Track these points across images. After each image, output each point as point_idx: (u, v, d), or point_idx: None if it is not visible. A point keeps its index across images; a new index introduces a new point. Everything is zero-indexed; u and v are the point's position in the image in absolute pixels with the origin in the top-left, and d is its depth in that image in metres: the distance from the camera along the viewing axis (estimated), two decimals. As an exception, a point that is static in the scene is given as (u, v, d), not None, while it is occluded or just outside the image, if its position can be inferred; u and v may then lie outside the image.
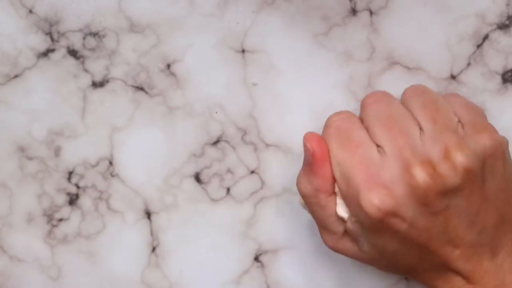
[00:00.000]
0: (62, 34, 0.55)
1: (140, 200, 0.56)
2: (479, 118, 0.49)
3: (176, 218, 0.56)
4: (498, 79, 0.55)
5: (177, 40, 0.55)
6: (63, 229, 0.56)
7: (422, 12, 0.54)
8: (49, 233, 0.56)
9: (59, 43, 0.55)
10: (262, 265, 0.56)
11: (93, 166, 0.56)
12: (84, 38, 0.55)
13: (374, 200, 0.46)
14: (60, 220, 0.56)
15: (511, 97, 0.55)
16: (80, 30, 0.55)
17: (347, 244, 0.50)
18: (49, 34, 0.55)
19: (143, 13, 0.55)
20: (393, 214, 0.46)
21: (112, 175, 0.56)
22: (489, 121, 0.50)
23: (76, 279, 0.56)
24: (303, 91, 0.55)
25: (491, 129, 0.49)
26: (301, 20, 0.55)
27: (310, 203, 0.50)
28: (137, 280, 0.56)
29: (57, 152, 0.56)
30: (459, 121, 0.49)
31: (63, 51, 0.55)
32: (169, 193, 0.56)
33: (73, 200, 0.56)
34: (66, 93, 0.56)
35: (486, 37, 0.55)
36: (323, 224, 0.50)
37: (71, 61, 0.55)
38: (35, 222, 0.56)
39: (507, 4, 0.54)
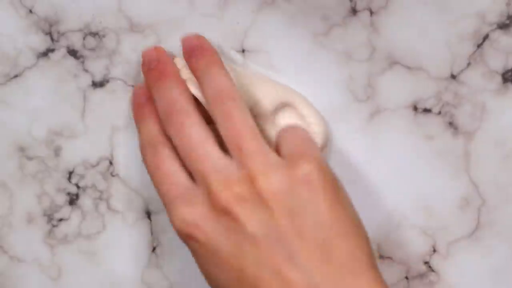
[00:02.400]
0: (62, 34, 0.55)
1: (140, 200, 0.56)
2: (301, 148, 0.48)
3: (176, 218, 0.56)
4: (498, 79, 0.55)
5: (177, 40, 0.55)
6: (63, 229, 0.56)
7: (422, 12, 0.54)
8: (49, 233, 0.56)
9: (59, 43, 0.55)
10: (262, 265, 0.56)
11: (93, 166, 0.56)
12: (84, 38, 0.55)
13: (179, 215, 0.47)
14: (60, 220, 0.56)
15: (511, 97, 0.55)
16: (80, 30, 0.55)
17: None
18: (49, 34, 0.55)
19: (143, 13, 0.55)
20: (195, 226, 0.47)
21: (112, 175, 0.56)
22: (313, 148, 0.49)
23: (76, 279, 0.56)
24: (303, 91, 0.55)
25: (308, 156, 0.47)
26: (301, 20, 0.55)
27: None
28: (137, 280, 0.56)
29: (57, 152, 0.56)
30: (276, 150, 0.49)
31: (63, 51, 0.55)
32: (169, 193, 0.56)
33: (73, 200, 0.56)
34: (66, 93, 0.56)
35: (486, 37, 0.55)
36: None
37: (71, 61, 0.55)
38: (35, 222, 0.56)
39: (507, 4, 0.54)
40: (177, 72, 0.51)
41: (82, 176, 0.56)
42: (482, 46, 0.55)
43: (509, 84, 0.55)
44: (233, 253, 0.46)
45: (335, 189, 0.47)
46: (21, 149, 0.56)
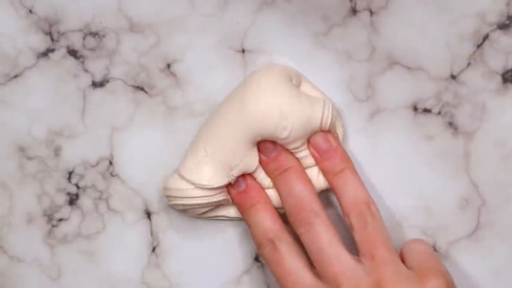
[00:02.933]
0: (62, 34, 0.55)
1: (140, 200, 0.56)
2: (429, 262, 0.50)
3: (176, 218, 0.56)
4: (498, 79, 0.55)
5: (177, 40, 0.55)
6: (63, 229, 0.56)
7: (422, 12, 0.54)
8: (49, 233, 0.56)
9: (59, 43, 0.55)
10: (262, 265, 0.56)
11: (93, 166, 0.56)
12: (84, 38, 0.55)
13: None
14: (60, 220, 0.56)
15: (511, 97, 0.55)
16: (80, 30, 0.55)
17: None
18: (49, 34, 0.55)
19: (143, 13, 0.55)
20: None
21: (112, 175, 0.56)
22: (441, 264, 0.50)
23: (76, 279, 0.56)
24: (303, 91, 0.55)
25: (436, 271, 0.49)
26: (301, 20, 0.55)
27: None
28: (137, 280, 0.56)
29: (57, 152, 0.56)
30: (402, 260, 0.50)
31: (63, 51, 0.55)
32: (169, 193, 0.56)
33: (73, 200, 0.56)
34: (66, 93, 0.56)
35: (486, 37, 0.55)
36: None
37: (71, 61, 0.55)
38: (35, 222, 0.56)
39: (507, 4, 0.54)
40: (299, 165, 0.53)
41: (82, 176, 0.56)
42: (482, 46, 0.55)
43: (509, 84, 0.55)
44: None
45: None
46: (21, 149, 0.56)
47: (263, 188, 0.53)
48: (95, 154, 0.56)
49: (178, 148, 0.56)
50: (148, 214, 0.56)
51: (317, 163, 0.53)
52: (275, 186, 0.53)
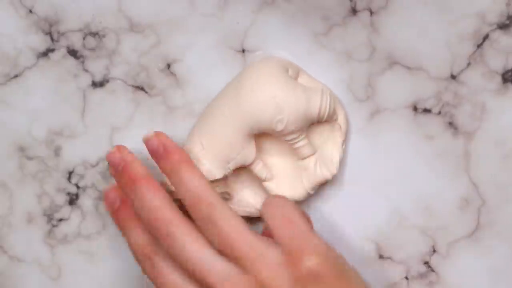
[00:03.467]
0: (62, 34, 0.55)
1: (140, 200, 0.56)
2: (297, 238, 0.48)
3: (176, 218, 0.56)
4: (498, 79, 0.55)
5: (177, 40, 0.55)
6: (63, 229, 0.56)
7: (422, 12, 0.54)
8: (49, 233, 0.56)
9: (59, 43, 0.55)
10: (262, 265, 0.56)
11: (93, 166, 0.56)
12: (84, 38, 0.55)
13: None
14: (60, 220, 0.56)
15: (511, 97, 0.55)
16: (80, 30, 0.55)
17: None
18: (49, 34, 0.55)
19: (143, 13, 0.55)
20: None
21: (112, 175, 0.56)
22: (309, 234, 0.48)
23: (76, 279, 0.56)
24: (303, 91, 0.55)
25: (309, 250, 0.47)
26: (301, 20, 0.55)
27: None
28: (137, 280, 0.56)
29: (57, 152, 0.56)
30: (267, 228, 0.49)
31: (63, 51, 0.55)
32: (169, 193, 0.56)
33: (73, 200, 0.56)
34: (66, 93, 0.56)
35: (486, 37, 0.55)
36: None
37: (71, 61, 0.55)
38: (35, 222, 0.56)
39: (507, 4, 0.54)
40: (146, 173, 0.51)
41: (82, 176, 0.56)
42: (482, 46, 0.55)
43: (509, 84, 0.55)
44: None
45: (344, 275, 0.47)
46: (21, 149, 0.56)
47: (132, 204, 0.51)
48: (95, 154, 0.56)
49: (178, 148, 0.56)
50: (148, 214, 0.56)
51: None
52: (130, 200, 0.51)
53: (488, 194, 0.55)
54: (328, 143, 0.54)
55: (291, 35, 0.55)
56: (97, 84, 0.56)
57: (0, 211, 0.56)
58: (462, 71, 0.55)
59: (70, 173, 0.56)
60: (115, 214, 0.52)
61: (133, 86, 0.55)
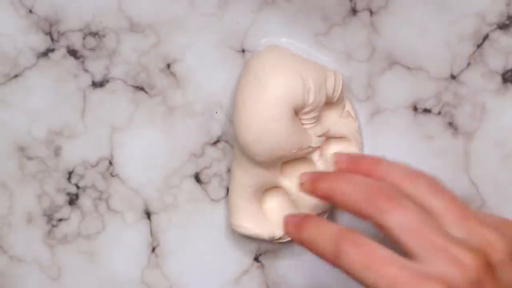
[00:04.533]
0: (62, 34, 0.55)
1: (140, 200, 0.56)
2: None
3: (176, 218, 0.56)
4: (498, 79, 0.55)
5: (177, 40, 0.55)
6: (63, 229, 0.56)
7: (422, 12, 0.54)
8: (49, 233, 0.56)
9: (59, 43, 0.55)
10: (262, 265, 0.56)
11: (93, 166, 0.56)
12: (84, 38, 0.55)
13: None
14: (60, 220, 0.56)
15: (511, 97, 0.55)
16: (80, 30, 0.55)
17: None
18: (49, 34, 0.55)
19: (143, 13, 0.55)
20: None
21: (112, 175, 0.56)
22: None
23: (76, 279, 0.56)
24: (303, 91, 0.55)
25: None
26: (301, 20, 0.55)
27: None
28: (137, 280, 0.56)
29: (57, 152, 0.56)
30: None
31: (63, 51, 0.55)
32: (169, 193, 0.56)
33: (73, 200, 0.56)
34: (66, 93, 0.56)
35: (486, 37, 0.55)
36: None
37: (71, 61, 0.55)
38: (35, 222, 0.56)
39: (507, 4, 0.54)
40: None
41: (82, 176, 0.56)
42: (482, 46, 0.55)
43: (509, 84, 0.55)
44: None
45: None
46: (21, 149, 0.56)
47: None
48: (95, 154, 0.56)
49: (178, 148, 0.56)
50: (148, 214, 0.56)
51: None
52: (333, 193, 0.47)
53: (488, 194, 0.55)
54: (340, 129, 0.54)
55: (291, 35, 0.55)
56: (97, 84, 0.56)
57: (0, 211, 0.56)
58: (462, 71, 0.55)
59: (70, 173, 0.56)
60: (295, 224, 0.48)
61: (133, 86, 0.55)
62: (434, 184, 0.46)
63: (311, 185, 0.48)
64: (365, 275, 0.44)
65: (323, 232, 0.46)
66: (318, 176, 0.48)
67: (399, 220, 0.44)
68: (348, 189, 0.46)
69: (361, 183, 0.46)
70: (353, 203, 0.46)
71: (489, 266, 0.44)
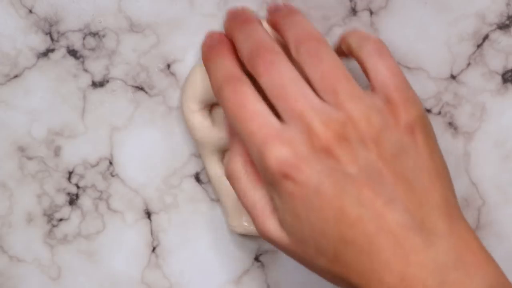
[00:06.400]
0: (62, 34, 0.55)
1: (140, 200, 0.56)
2: (399, 89, 0.47)
3: (176, 218, 0.56)
4: (498, 79, 0.55)
5: (177, 40, 0.55)
6: (63, 229, 0.56)
7: (422, 12, 0.54)
8: (49, 233, 0.56)
9: (59, 43, 0.55)
10: (262, 265, 0.56)
11: (93, 166, 0.56)
12: (84, 38, 0.55)
13: (276, 155, 0.45)
14: (60, 220, 0.56)
15: (511, 97, 0.55)
16: (80, 30, 0.55)
17: (273, 224, 0.48)
18: (49, 34, 0.55)
19: (143, 13, 0.55)
20: (294, 166, 0.45)
21: (112, 175, 0.56)
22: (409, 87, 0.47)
23: (76, 279, 0.56)
24: (303, 91, 0.55)
25: (409, 104, 0.46)
26: (301, 20, 0.55)
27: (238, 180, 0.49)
28: (137, 280, 0.56)
29: (57, 152, 0.56)
30: (372, 89, 0.47)
31: (63, 51, 0.55)
32: (169, 193, 0.56)
33: (73, 200, 0.56)
34: (66, 93, 0.56)
35: (486, 37, 0.55)
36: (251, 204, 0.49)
37: (71, 61, 0.55)
38: (35, 222, 0.56)
39: (507, 4, 0.54)
40: (260, 21, 0.50)
41: (82, 176, 0.56)
42: (482, 46, 0.55)
43: (509, 84, 0.55)
44: (333, 193, 0.44)
45: (433, 136, 0.47)
46: (21, 149, 0.56)
47: (230, 41, 0.50)
48: (95, 154, 0.56)
49: (178, 148, 0.56)
50: (148, 214, 0.56)
51: (269, 23, 0.51)
52: (234, 40, 0.49)
53: (488, 194, 0.55)
54: None
55: (291, 35, 0.55)
56: (97, 84, 0.56)
57: (0, 211, 0.56)
58: (462, 71, 0.55)
59: (70, 173, 0.56)
60: (208, 49, 0.50)
61: (133, 86, 0.55)
62: (317, 49, 0.47)
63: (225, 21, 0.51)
64: (233, 123, 0.47)
65: (220, 68, 0.48)
66: (230, 16, 0.51)
67: (270, 83, 0.46)
68: (240, 39, 0.49)
69: (251, 36, 0.48)
70: (241, 55, 0.48)
71: (341, 139, 0.45)
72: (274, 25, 0.50)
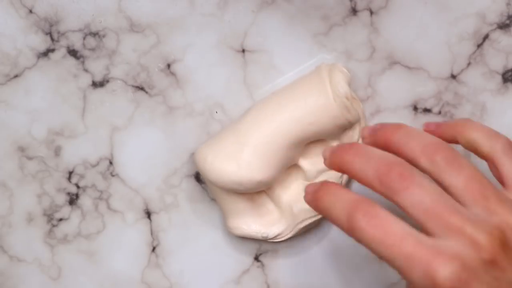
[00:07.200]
0: (62, 34, 0.55)
1: (140, 200, 0.56)
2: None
3: (176, 218, 0.56)
4: (498, 78, 0.55)
5: (177, 40, 0.55)
6: (63, 229, 0.56)
7: (422, 12, 0.54)
8: (49, 233, 0.56)
9: (59, 43, 0.55)
10: (262, 265, 0.56)
11: (93, 166, 0.56)
12: (84, 38, 0.55)
13: (445, 272, 0.43)
14: (60, 220, 0.56)
15: (511, 97, 0.55)
16: (80, 30, 0.55)
17: None
18: (49, 34, 0.55)
19: (143, 13, 0.55)
20: (464, 281, 0.43)
21: (112, 175, 0.56)
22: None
23: (76, 279, 0.56)
24: (303, 91, 0.55)
25: None
26: (301, 20, 0.55)
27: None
28: (137, 280, 0.56)
29: (57, 152, 0.56)
30: (506, 187, 0.47)
31: (63, 51, 0.55)
32: (169, 193, 0.56)
33: (73, 200, 0.56)
34: (66, 93, 0.56)
35: (486, 37, 0.55)
36: None
37: (71, 61, 0.55)
38: (35, 222, 0.56)
39: (507, 4, 0.54)
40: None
41: (82, 176, 0.56)
42: (482, 46, 0.55)
43: (509, 84, 0.55)
44: None
45: None
46: (21, 149, 0.56)
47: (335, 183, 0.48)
48: (95, 154, 0.56)
49: (178, 148, 0.56)
50: (148, 214, 0.56)
51: (376, 144, 0.48)
52: (348, 169, 0.46)
53: (488, 194, 0.55)
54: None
55: (291, 35, 0.55)
56: (97, 84, 0.56)
57: (0, 211, 0.56)
58: (462, 71, 0.55)
59: (70, 173, 0.56)
60: (313, 192, 0.47)
61: (133, 86, 0.55)
62: (453, 158, 0.45)
63: (329, 159, 0.47)
64: (380, 250, 0.43)
65: (339, 201, 0.45)
66: (334, 149, 0.47)
67: (412, 200, 0.44)
68: (360, 163, 0.45)
69: (372, 157, 0.45)
70: (365, 178, 0.45)
71: (505, 246, 0.44)
72: (384, 144, 0.47)
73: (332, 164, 0.47)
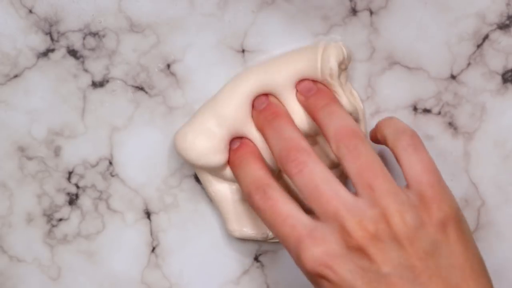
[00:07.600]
0: (62, 34, 0.55)
1: (140, 200, 0.56)
2: (433, 187, 0.47)
3: (176, 218, 0.56)
4: (498, 79, 0.55)
5: (177, 40, 0.55)
6: (63, 229, 0.56)
7: (422, 12, 0.54)
8: (49, 233, 0.56)
9: (59, 43, 0.55)
10: (262, 265, 0.56)
11: (93, 166, 0.56)
12: (84, 38, 0.55)
13: (310, 255, 0.46)
14: (60, 220, 0.56)
15: (511, 97, 0.55)
16: (80, 30, 0.55)
17: None
18: (49, 34, 0.55)
19: (143, 13, 0.55)
20: (328, 266, 0.46)
21: (112, 175, 0.56)
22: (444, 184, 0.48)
23: (76, 279, 0.56)
24: (303, 91, 0.55)
25: (443, 202, 0.47)
26: (301, 20, 0.55)
27: None
28: (137, 280, 0.56)
29: (57, 152, 0.56)
30: (406, 183, 0.48)
31: (63, 51, 0.55)
32: (169, 193, 0.56)
33: (73, 200, 0.56)
34: (66, 93, 0.56)
35: (486, 37, 0.55)
36: None
37: (71, 61, 0.55)
38: (35, 222, 0.56)
39: (507, 4, 0.54)
40: (288, 112, 0.52)
41: (81, 176, 0.56)
42: (482, 46, 0.55)
43: (509, 84, 0.55)
44: None
45: (467, 232, 0.47)
46: (21, 149, 0.56)
47: (255, 146, 0.52)
48: (95, 154, 0.56)
49: (178, 148, 0.56)
50: (148, 214, 0.56)
51: (302, 105, 0.52)
52: (264, 136, 0.51)
53: (488, 194, 0.55)
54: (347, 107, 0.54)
55: (291, 35, 0.55)
56: (97, 84, 0.56)
57: (0, 211, 0.56)
58: (462, 71, 0.55)
59: (70, 173, 0.56)
60: (233, 152, 0.52)
61: (133, 86, 0.55)
62: (354, 146, 0.48)
63: (256, 118, 0.52)
64: (271, 229, 0.48)
65: (248, 176, 0.50)
66: (258, 109, 0.52)
67: (301, 183, 0.48)
68: (273, 139, 0.50)
69: (282, 138, 0.50)
70: (273, 154, 0.50)
71: (375, 238, 0.45)
72: (311, 114, 0.52)
73: (257, 124, 0.52)
